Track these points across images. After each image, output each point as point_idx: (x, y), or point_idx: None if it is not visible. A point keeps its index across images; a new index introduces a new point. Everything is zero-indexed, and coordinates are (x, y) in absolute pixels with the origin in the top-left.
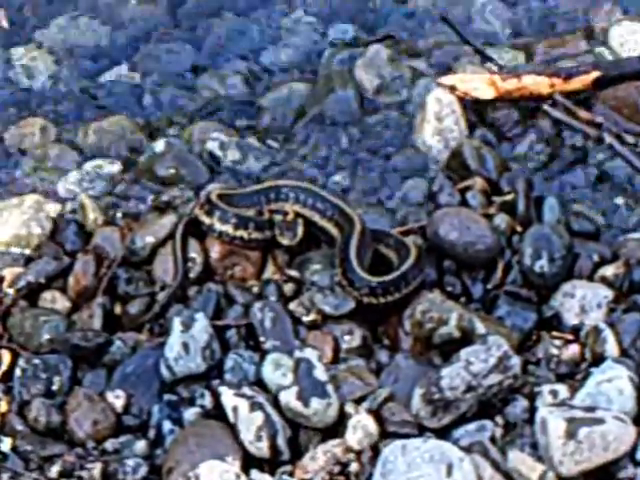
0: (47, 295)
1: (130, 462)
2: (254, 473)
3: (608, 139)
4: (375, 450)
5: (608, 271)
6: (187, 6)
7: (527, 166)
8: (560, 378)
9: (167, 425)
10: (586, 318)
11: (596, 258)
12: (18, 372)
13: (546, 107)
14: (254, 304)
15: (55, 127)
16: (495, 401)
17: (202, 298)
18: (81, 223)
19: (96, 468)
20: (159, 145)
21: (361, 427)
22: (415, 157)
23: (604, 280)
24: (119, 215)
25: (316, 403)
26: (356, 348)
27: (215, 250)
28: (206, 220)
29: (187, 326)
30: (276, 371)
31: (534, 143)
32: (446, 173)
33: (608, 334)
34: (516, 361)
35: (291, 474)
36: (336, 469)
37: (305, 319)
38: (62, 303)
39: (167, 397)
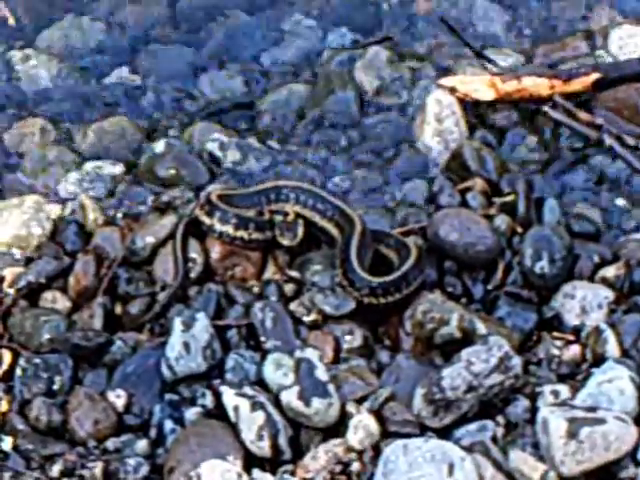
0: (48, 295)
1: (131, 461)
2: (255, 472)
3: (608, 140)
4: (376, 450)
5: (609, 272)
6: (187, 8)
7: (527, 167)
8: (561, 378)
9: (168, 424)
10: (587, 319)
11: (596, 259)
12: (19, 371)
13: (546, 109)
14: (255, 304)
15: (55, 128)
16: (496, 401)
17: (203, 298)
18: (81, 223)
19: (97, 467)
20: (159, 146)
21: (362, 427)
22: (415, 158)
23: (605, 281)
24: (119, 215)
25: (317, 403)
26: (357, 348)
27: (215, 250)
28: (206, 220)
29: (188, 326)
30: (277, 371)
31: (534, 144)
32: (446, 174)
33: (609, 335)
34: (517, 361)
35: (292, 473)
36: (337, 469)
37: (306, 319)
38: (63, 303)
39: (168, 397)
